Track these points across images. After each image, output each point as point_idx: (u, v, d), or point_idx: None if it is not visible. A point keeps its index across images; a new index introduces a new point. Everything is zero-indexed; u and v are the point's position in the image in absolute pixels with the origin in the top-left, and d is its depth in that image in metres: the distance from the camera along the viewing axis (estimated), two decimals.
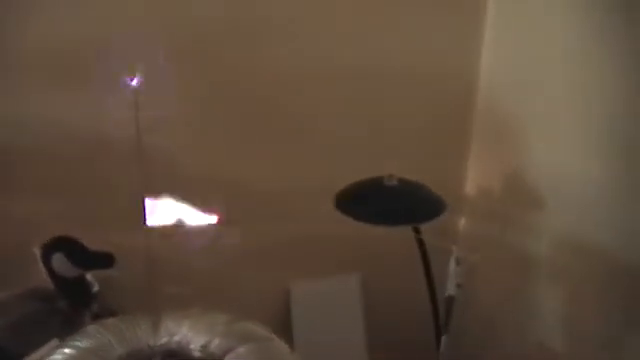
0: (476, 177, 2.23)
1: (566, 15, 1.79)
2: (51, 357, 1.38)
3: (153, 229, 1.49)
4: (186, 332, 1.41)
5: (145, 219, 1.49)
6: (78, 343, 1.39)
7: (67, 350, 1.38)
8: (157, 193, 1.51)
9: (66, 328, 1.57)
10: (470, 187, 2.25)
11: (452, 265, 1.73)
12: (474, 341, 1.90)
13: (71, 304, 1.72)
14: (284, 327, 2.11)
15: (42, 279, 1.69)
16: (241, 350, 1.38)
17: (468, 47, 2.10)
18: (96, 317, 1.66)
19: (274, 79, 1.95)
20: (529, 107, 1.97)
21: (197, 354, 1.39)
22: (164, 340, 1.41)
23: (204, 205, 1.64)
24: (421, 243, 1.85)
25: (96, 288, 1.76)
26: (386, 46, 2.01)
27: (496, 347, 2.13)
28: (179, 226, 1.58)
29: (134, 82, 1.39)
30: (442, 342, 1.77)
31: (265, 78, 1.94)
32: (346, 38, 1.98)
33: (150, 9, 1.78)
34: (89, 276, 1.75)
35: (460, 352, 1.93)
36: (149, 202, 1.47)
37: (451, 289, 1.74)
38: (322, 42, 1.97)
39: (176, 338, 1.41)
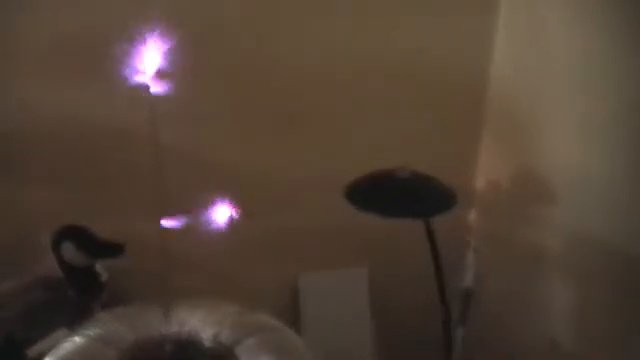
0: (487, 171, 2.22)
1: (578, 11, 1.79)
2: (62, 345, 1.38)
3: (166, 219, 1.48)
4: (197, 321, 1.41)
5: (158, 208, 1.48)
6: (88, 331, 1.38)
7: (77, 338, 1.38)
8: (170, 183, 1.50)
9: (75, 317, 1.57)
10: (481, 181, 2.24)
11: (470, 257, 1.72)
12: (483, 335, 1.89)
13: (80, 293, 1.72)
14: (292, 319, 2.09)
15: (51, 268, 1.70)
16: (252, 340, 1.37)
17: (480, 41, 2.10)
18: (105, 306, 1.66)
19: (287, 72, 1.95)
20: (540, 101, 1.96)
21: (208, 344, 1.38)
22: (175, 329, 1.40)
23: (216, 196, 1.64)
24: (431, 236, 1.84)
25: (105, 277, 1.75)
26: (399, 40, 2.00)
27: (505, 341, 2.12)
28: (192, 217, 1.57)
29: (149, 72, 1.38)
30: (458, 334, 1.76)
31: (278, 71, 1.94)
32: (360, 32, 1.97)
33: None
34: (98, 265, 1.75)
35: (469, 346, 1.93)
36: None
37: (469, 281, 1.73)
38: (337, 35, 1.96)
39: (187, 327, 1.40)
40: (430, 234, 1.83)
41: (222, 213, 1.74)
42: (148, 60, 1.41)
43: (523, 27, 2.03)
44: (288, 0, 1.91)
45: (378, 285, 2.21)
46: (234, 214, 1.60)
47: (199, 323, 1.41)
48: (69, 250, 1.69)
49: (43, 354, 1.44)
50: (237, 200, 1.77)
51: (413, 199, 1.78)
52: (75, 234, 1.70)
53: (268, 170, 2.00)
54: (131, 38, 1.36)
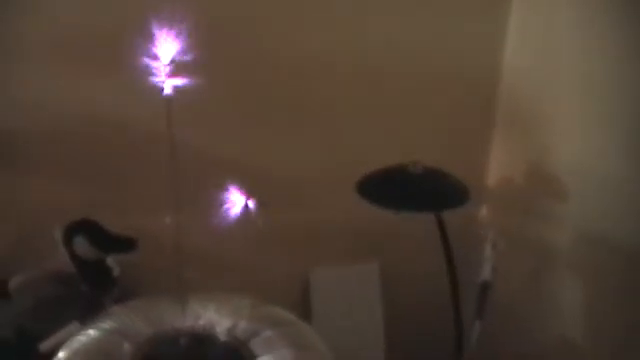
0: (498, 167, 2.22)
1: (589, 9, 1.78)
2: (77, 338, 1.37)
3: (178, 214, 1.47)
4: (212, 315, 1.41)
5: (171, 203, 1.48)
6: (104, 324, 1.38)
7: (92, 331, 1.38)
8: (182, 177, 1.50)
9: (87, 311, 1.58)
10: (492, 176, 2.24)
11: (488, 250, 1.72)
12: (493, 331, 1.89)
13: (92, 287, 1.71)
14: (303, 314, 2.05)
15: (64, 262, 1.69)
16: (267, 334, 1.37)
17: (492, 37, 2.09)
18: (117, 301, 1.65)
19: (301, 68, 1.95)
20: (552, 98, 1.96)
21: (223, 337, 1.38)
22: (190, 323, 1.40)
23: (228, 191, 1.64)
24: (443, 231, 1.83)
25: (117, 272, 1.75)
26: (412, 36, 2.00)
27: (515, 338, 2.12)
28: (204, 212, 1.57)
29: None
30: (475, 327, 1.75)
31: (292, 67, 1.94)
32: (371, 27, 1.97)
33: None
34: (110, 259, 1.75)
35: (479, 340, 1.91)
36: None
37: (487, 274, 1.72)
38: (351, 32, 1.96)
39: (202, 321, 1.40)
40: (442, 229, 1.83)
41: (234, 208, 1.75)
42: (161, 56, 1.40)
43: (535, 24, 2.02)
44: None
45: (389, 280, 2.20)
46: (246, 209, 1.60)
47: (214, 317, 1.41)
48: (81, 244, 1.68)
49: (55, 348, 1.45)
50: (249, 195, 1.78)
51: (425, 194, 1.78)
52: (87, 228, 1.70)
53: (280, 165, 2.00)
54: (144, 33, 1.36)
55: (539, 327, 2.05)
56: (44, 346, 1.54)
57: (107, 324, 1.39)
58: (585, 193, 1.86)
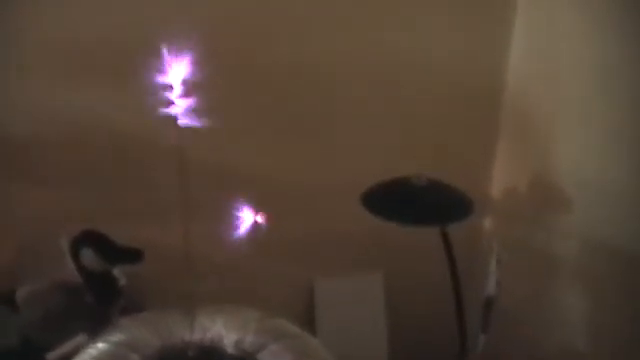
0: (503, 178, 2.22)
1: (595, 16, 1.78)
2: (85, 351, 1.38)
3: (187, 225, 1.48)
4: (219, 328, 1.41)
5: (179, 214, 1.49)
6: (112, 337, 1.39)
7: (100, 344, 1.38)
8: (190, 188, 1.51)
9: (93, 322, 1.58)
10: (496, 187, 2.24)
11: (493, 264, 1.72)
12: (495, 340, 1.89)
13: (98, 299, 1.71)
14: (307, 324, 2.09)
15: (71, 273, 1.69)
16: (274, 347, 1.38)
17: (496, 45, 2.08)
18: (123, 312, 1.66)
19: (304, 79, 1.95)
20: (557, 108, 1.96)
21: (231, 350, 1.39)
22: (198, 335, 1.40)
23: (235, 202, 1.64)
24: (448, 243, 1.84)
25: (123, 282, 1.75)
26: (415, 45, 2.00)
27: (519, 347, 2.12)
28: (211, 223, 1.58)
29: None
30: (479, 341, 1.76)
31: (295, 77, 1.94)
32: (376, 37, 1.97)
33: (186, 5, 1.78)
34: (116, 270, 1.75)
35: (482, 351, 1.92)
36: None
37: (491, 289, 1.73)
38: (355, 43, 1.96)
39: (209, 334, 1.41)
40: (446, 241, 1.83)
41: (241, 219, 1.75)
42: (170, 66, 1.41)
43: (540, 33, 2.01)
44: (312, 9, 1.92)
45: (394, 291, 2.20)
46: (253, 220, 1.61)
47: (221, 329, 1.42)
48: (87, 256, 1.68)
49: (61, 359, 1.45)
50: (256, 206, 1.78)
51: (430, 206, 1.78)
52: (94, 240, 1.69)
53: (286, 176, 2.00)
54: (153, 45, 1.37)
55: (542, 336, 2.05)
56: (51, 357, 1.54)
57: (115, 337, 1.39)
58: (589, 203, 1.86)
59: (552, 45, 1.96)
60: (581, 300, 1.94)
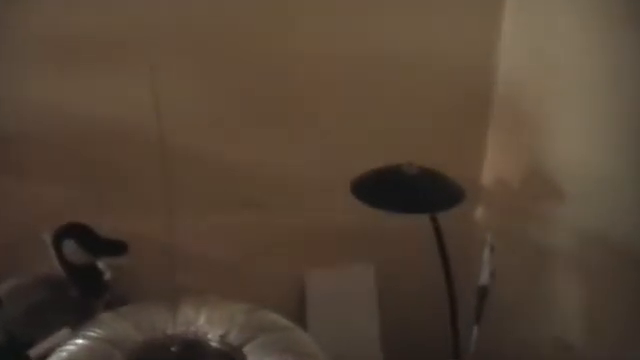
0: (493, 167, 2.20)
1: (585, 8, 1.77)
2: (65, 347, 1.35)
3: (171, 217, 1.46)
4: (204, 321, 1.38)
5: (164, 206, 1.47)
6: (92, 333, 1.35)
7: (81, 340, 1.35)
8: (175, 181, 1.49)
9: (77, 316, 1.56)
10: (487, 177, 2.22)
11: (486, 253, 1.70)
12: (490, 333, 1.88)
13: (82, 292, 1.70)
14: (298, 316, 2.09)
15: (53, 266, 1.68)
16: (260, 340, 1.35)
17: (487, 37, 2.07)
18: (108, 305, 1.64)
19: (291, 68, 1.93)
20: (548, 98, 1.95)
21: (215, 344, 1.35)
22: (181, 329, 1.37)
23: (222, 194, 1.63)
24: (439, 232, 1.82)
25: (108, 276, 1.73)
26: (406, 36, 1.98)
27: (512, 340, 2.11)
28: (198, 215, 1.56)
29: None
30: (473, 332, 1.73)
31: (282, 67, 1.92)
32: (365, 27, 1.95)
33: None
34: (101, 264, 1.73)
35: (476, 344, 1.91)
36: None
37: (484, 279, 1.71)
38: (345, 34, 1.94)
39: (193, 327, 1.37)
40: (437, 230, 1.82)
41: (227, 210, 1.73)
42: (152, 59, 1.39)
43: (530, 24, 2.01)
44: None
45: (385, 282, 2.19)
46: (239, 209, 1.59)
47: (206, 323, 1.38)
48: (70, 249, 1.67)
49: (45, 355, 1.43)
50: (243, 198, 1.77)
51: (420, 195, 1.76)
52: (77, 232, 1.69)
53: (275, 167, 1.98)
54: (136, 37, 1.35)
55: (535, 328, 2.04)
56: (34, 352, 1.52)
57: (97, 332, 1.36)
58: (580, 193, 1.85)
59: (543, 35, 1.95)
60: (574, 291, 1.94)
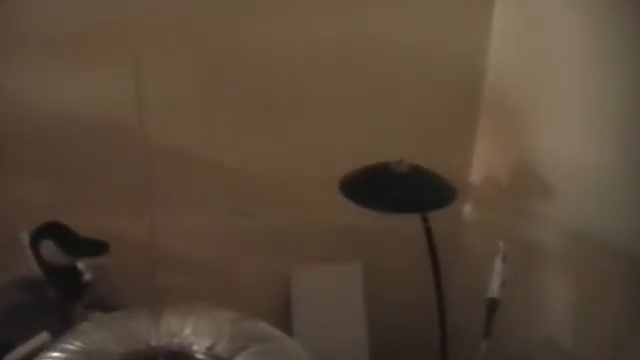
0: (483, 164, 2.19)
1: (576, 2, 1.75)
2: None
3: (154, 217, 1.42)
4: (189, 332, 1.33)
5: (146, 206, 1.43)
6: (70, 346, 1.29)
7: (56, 354, 1.29)
8: (158, 180, 1.45)
9: (56, 319, 1.55)
10: (476, 174, 2.21)
11: (498, 263, 1.65)
12: (478, 334, 1.88)
13: (61, 294, 1.67)
14: (284, 314, 2.07)
15: (31, 267, 1.64)
16: (250, 351, 1.30)
17: (476, 33, 2.05)
18: (88, 308, 1.62)
19: (282, 67, 1.90)
20: (538, 94, 1.93)
21: (201, 356, 1.31)
22: (165, 340, 1.32)
23: (206, 192, 1.60)
24: (428, 231, 1.80)
25: (88, 277, 1.69)
26: (394, 31, 1.95)
27: (501, 340, 2.10)
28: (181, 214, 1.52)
29: None
30: (482, 346, 1.72)
31: (272, 66, 1.89)
32: (353, 22, 1.92)
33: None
34: (81, 264, 1.69)
35: (463, 345, 1.91)
36: None
37: (495, 290, 1.67)
38: (332, 30, 1.90)
39: (178, 339, 1.32)
40: (427, 229, 1.80)
41: (212, 210, 1.70)
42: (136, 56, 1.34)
43: (520, 19, 1.99)
44: None
45: (373, 280, 2.17)
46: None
47: (192, 333, 1.33)
48: (49, 249, 1.64)
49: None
50: (228, 196, 1.73)
51: (410, 193, 1.74)
52: (55, 232, 1.65)
53: (260, 165, 1.96)
54: (118, 31, 1.31)
55: (526, 327, 2.03)
56: (11, 357, 1.48)
57: (75, 345, 1.29)
58: (571, 191, 1.84)
59: (532, 30, 1.93)
60: (564, 290, 1.93)
